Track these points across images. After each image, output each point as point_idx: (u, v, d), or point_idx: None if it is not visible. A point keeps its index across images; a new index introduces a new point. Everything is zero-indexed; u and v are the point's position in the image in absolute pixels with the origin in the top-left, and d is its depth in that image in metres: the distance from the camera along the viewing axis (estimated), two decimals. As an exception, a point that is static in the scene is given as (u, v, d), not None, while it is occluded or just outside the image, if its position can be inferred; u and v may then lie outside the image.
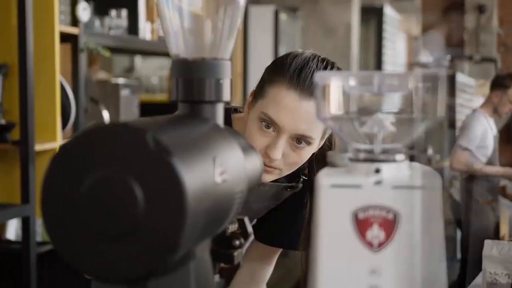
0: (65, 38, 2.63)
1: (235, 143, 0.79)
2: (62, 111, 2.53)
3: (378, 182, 0.69)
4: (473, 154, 4.17)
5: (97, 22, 2.92)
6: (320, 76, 0.71)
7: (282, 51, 6.14)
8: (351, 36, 5.55)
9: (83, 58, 2.65)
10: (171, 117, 0.78)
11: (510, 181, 4.73)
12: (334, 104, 0.71)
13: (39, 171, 2.38)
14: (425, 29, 10.09)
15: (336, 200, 0.70)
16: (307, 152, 1.26)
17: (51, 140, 2.50)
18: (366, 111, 0.74)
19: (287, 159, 1.25)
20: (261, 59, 4.96)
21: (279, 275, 2.93)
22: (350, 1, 5.53)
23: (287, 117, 1.21)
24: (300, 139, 1.23)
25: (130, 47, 3.08)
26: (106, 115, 2.84)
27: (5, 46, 2.45)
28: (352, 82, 0.71)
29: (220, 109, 0.84)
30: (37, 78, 2.43)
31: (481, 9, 9.38)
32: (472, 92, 8.13)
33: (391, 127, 0.72)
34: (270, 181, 1.35)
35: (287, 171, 1.28)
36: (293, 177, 1.39)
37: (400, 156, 0.72)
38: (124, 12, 3.03)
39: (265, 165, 1.24)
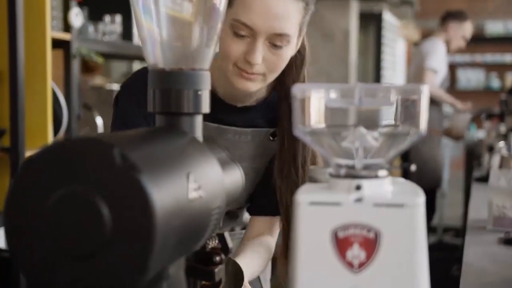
0: (58, 44, 2.60)
1: (213, 157, 0.76)
2: (54, 117, 2.50)
3: (359, 200, 0.66)
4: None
5: (90, 28, 2.89)
6: (299, 89, 0.68)
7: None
8: (349, 42, 5.52)
9: (75, 64, 2.62)
10: (146, 131, 0.75)
11: (455, 112, 4.78)
12: (314, 117, 0.69)
13: (29, 178, 2.33)
14: (425, 35, 10.09)
15: (315, 218, 0.67)
16: (286, 52, 1.23)
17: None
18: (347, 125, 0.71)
19: (268, 63, 1.23)
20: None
21: None
22: (349, 7, 5.50)
23: (259, 17, 1.18)
24: (276, 42, 1.20)
25: (124, 52, 3.05)
26: (99, 122, 2.81)
27: (-4, 51, 2.42)
28: (333, 94, 0.68)
29: (199, 121, 0.81)
30: (28, 84, 2.40)
31: None
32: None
33: (374, 142, 0.69)
34: (250, 128, 1.35)
35: (271, 77, 1.26)
36: (273, 125, 1.38)
37: (382, 172, 0.69)
38: (118, 18, 3.01)
39: (247, 72, 1.22)
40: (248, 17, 1.18)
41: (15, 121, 2.33)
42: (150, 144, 0.67)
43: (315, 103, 0.69)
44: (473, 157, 4.88)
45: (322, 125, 0.70)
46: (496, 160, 3.00)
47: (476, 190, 2.79)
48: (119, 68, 4.57)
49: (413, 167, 0.68)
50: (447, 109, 4.43)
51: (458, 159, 6.46)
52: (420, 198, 0.66)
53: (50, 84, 2.47)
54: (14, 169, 2.30)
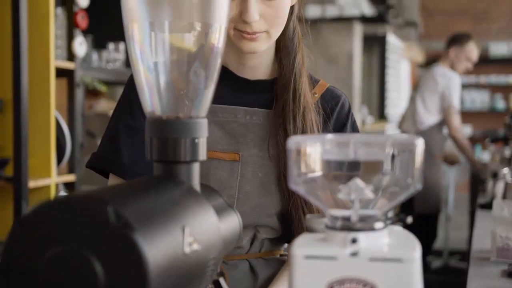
0: (62, 72, 2.62)
1: (209, 206, 0.76)
2: (57, 146, 2.51)
3: (354, 254, 0.66)
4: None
5: (95, 56, 2.91)
6: (293, 141, 0.68)
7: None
8: (353, 65, 5.54)
9: (79, 93, 2.63)
10: (141, 182, 0.75)
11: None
12: (309, 169, 0.68)
13: (32, 208, 2.34)
14: (429, 57, 10.12)
15: (310, 272, 0.66)
16: (282, 2, 1.18)
17: (46, 176, 2.47)
18: (344, 175, 0.71)
19: (267, 17, 1.17)
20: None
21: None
22: (352, 30, 5.53)
23: None
24: None
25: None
26: (103, 149, 2.80)
27: (0, 81, 2.43)
28: (328, 146, 0.68)
29: (196, 169, 0.81)
30: (32, 114, 2.41)
31: None
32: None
33: (370, 194, 0.69)
34: (263, 109, 1.25)
35: (275, 32, 1.20)
36: None
37: (378, 224, 0.69)
38: (122, 46, 3.02)
39: (248, 33, 1.17)
40: None
41: (18, 151, 2.33)
42: (145, 198, 0.67)
43: (310, 155, 0.69)
44: (477, 180, 4.87)
45: (317, 177, 0.70)
46: (500, 186, 2.98)
47: (481, 217, 2.77)
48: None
49: (409, 220, 0.68)
50: (445, 130, 4.44)
51: (464, 181, 6.44)
52: (416, 252, 0.65)
53: (54, 113, 2.48)
54: (17, 198, 2.30)
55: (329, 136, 0.70)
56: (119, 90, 3.33)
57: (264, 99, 1.28)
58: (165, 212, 0.67)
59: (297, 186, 0.69)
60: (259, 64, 1.29)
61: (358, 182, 0.69)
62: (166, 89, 0.80)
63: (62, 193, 2.71)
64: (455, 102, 4.36)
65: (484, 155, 8.99)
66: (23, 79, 2.34)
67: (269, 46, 1.24)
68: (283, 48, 1.27)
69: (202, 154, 0.80)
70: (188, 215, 0.70)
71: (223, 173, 1.23)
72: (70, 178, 2.68)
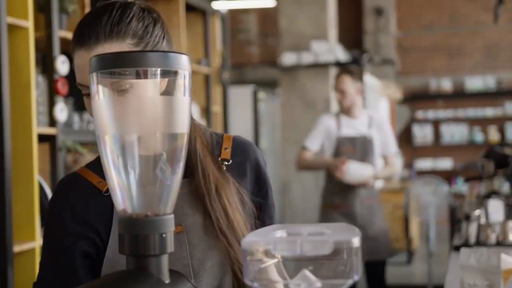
0: (43, 138, 2.71)
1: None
2: (41, 209, 2.59)
3: None
4: None
5: (76, 118, 3.01)
6: (247, 242, 0.78)
7: (262, 128, 6.28)
8: (330, 109, 5.67)
9: (61, 157, 2.72)
10: (115, 278, 0.84)
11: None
12: (262, 269, 0.78)
13: (18, 273, 2.41)
14: (407, 92, 10.33)
15: None
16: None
17: (30, 240, 2.54)
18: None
19: None
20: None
21: None
22: (328, 75, 5.68)
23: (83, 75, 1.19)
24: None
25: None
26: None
27: (-16, 148, 2.52)
28: (278, 246, 0.77)
29: (164, 260, 0.90)
30: (16, 180, 2.49)
31: (379, 11, 9.61)
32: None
33: (318, 284, 0.78)
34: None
35: None
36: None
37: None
38: (102, 106, 3.12)
39: None
40: (79, 77, 1.21)
41: (2, 215, 2.41)
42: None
43: (263, 253, 0.78)
44: (455, 217, 4.95)
45: (270, 274, 0.79)
46: (473, 228, 3.05)
47: (454, 261, 2.85)
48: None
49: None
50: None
51: (444, 214, 6.52)
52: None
53: (37, 178, 2.56)
54: (3, 264, 2.37)
55: (278, 234, 0.80)
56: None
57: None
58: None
59: (251, 282, 0.78)
60: None
61: (307, 273, 0.79)
62: (135, 190, 0.90)
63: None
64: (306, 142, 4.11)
65: (464, 188, 9.14)
66: (6, 147, 2.42)
67: None
68: None
69: (170, 246, 0.90)
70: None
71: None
72: (55, 239, 2.75)
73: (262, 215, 1.34)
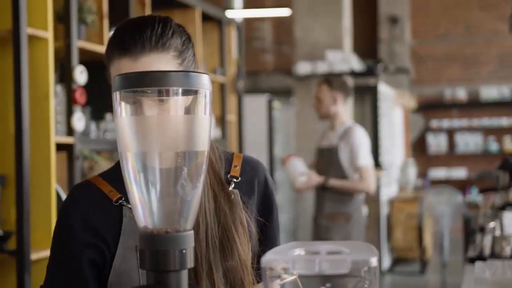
0: (61, 147, 2.74)
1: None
2: (58, 217, 2.62)
3: None
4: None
5: (93, 126, 3.04)
6: (266, 260, 0.79)
7: (276, 137, 6.30)
8: (344, 118, 5.67)
9: (78, 166, 2.75)
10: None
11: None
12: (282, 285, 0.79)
13: (35, 280, 2.44)
14: (421, 101, 10.31)
15: None
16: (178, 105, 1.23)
17: (47, 247, 2.57)
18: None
19: None
20: (256, 147, 5.09)
21: None
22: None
23: None
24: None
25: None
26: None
27: (2, 157, 2.55)
28: (297, 265, 0.79)
29: (184, 275, 0.91)
30: (34, 188, 2.52)
31: (394, 20, 9.59)
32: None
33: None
34: None
35: None
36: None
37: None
38: (119, 115, 3.16)
39: None
40: None
41: (20, 224, 2.44)
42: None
43: (282, 271, 0.80)
44: (469, 227, 4.93)
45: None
46: (488, 240, 3.05)
47: (468, 273, 2.85)
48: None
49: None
50: None
51: (458, 224, 6.49)
52: None
53: (54, 186, 2.59)
54: (20, 271, 2.40)
55: (297, 252, 0.81)
56: (117, 156, 3.44)
57: None
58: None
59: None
60: None
61: (325, 291, 0.80)
62: (156, 206, 0.92)
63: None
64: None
65: (479, 198, 9.10)
66: (25, 156, 2.46)
67: None
68: None
69: (190, 262, 0.91)
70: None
71: None
72: (71, 247, 2.78)
73: (266, 236, 1.35)
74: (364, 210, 4.22)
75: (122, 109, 0.91)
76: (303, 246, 0.83)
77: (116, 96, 0.91)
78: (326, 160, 4.00)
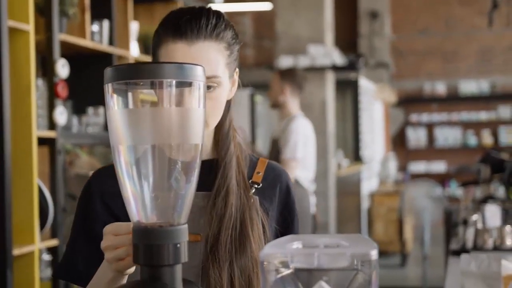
0: (43, 141, 2.71)
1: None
2: (40, 212, 2.58)
3: None
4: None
5: (75, 121, 3.01)
6: (264, 254, 0.78)
7: (259, 131, 6.29)
8: (326, 112, 5.68)
9: (60, 160, 2.72)
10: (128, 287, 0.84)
11: None
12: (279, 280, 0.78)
13: (18, 276, 2.40)
14: (401, 95, 10.36)
15: None
16: (220, 94, 1.24)
17: (29, 243, 2.54)
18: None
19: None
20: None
21: None
22: (324, 79, 5.68)
23: None
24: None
25: (107, 142, 3.13)
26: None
27: (-17, 152, 2.51)
28: (295, 259, 0.78)
29: (178, 270, 0.90)
30: (15, 183, 2.48)
31: (374, 14, 9.64)
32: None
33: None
34: (201, 192, 1.23)
35: (212, 121, 1.25)
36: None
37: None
38: (101, 110, 3.13)
39: None
40: None
41: (2, 219, 2.40)
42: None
43: (280, 264, 0.78)
44: (451, 220, 4.96)
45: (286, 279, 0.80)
46: (470, 233, 3.06)
47: (452, 265, 2.86)
48: (103, 152, 4.66)
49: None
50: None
51: (438, 217, 6.53)
52: None
53: (36, 181, 2.56)
54: (2, 267, 2.36)
55: (295, 246, 0.80)
56: (99, 150, 3.41)
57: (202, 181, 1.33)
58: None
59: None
60: None
61: (322, 284, 0.79)
62: (149, 200, 0.90)
63: (46, 258, 2.77)
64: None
65: (458, 191, 9.18)
66: (6, 150, 2.42)
67: (208, 132, 1.28)
68: (219, 141, 1.31)
69: (184, 256, 0.90)
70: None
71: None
72: (53, 242, 2.75)
73: None
74: (312, 199, 4.17)
75: (114, 102, 0.89)
76: (300, 240, 0.82)
77: (108, 88, 0.89)
78: (272, 151, 4.04)
